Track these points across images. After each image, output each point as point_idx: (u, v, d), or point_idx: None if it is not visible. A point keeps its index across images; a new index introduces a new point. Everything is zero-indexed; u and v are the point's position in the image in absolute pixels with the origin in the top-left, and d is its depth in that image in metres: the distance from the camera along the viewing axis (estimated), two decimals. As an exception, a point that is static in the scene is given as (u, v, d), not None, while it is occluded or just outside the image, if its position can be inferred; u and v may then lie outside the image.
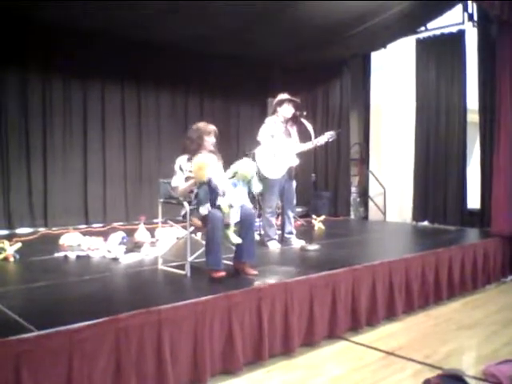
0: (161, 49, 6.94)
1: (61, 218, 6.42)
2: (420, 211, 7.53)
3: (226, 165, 3.93)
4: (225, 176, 3.78)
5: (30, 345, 2.32)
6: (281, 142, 5.11)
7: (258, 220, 5.20)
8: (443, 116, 7.32)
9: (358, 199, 8.63)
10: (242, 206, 3.70)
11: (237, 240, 3.61)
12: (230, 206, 3.61)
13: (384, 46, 7.98)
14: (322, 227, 6.55)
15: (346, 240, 5.84)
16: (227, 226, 3.59)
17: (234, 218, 3.62)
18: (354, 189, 8.56)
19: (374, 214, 8.55)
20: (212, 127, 4.03)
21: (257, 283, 3.48)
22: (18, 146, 6.17)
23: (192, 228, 3.85)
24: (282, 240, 5.28)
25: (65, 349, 2.40)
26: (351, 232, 6.89)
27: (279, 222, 5.58)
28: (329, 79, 8.50)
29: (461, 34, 7.12)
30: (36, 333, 2.38)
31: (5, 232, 5.86)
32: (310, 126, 5.05)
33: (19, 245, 4.47)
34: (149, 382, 2.69)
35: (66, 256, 4.48)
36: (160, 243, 4.88)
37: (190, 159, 3.89)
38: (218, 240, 3.54)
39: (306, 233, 5.67)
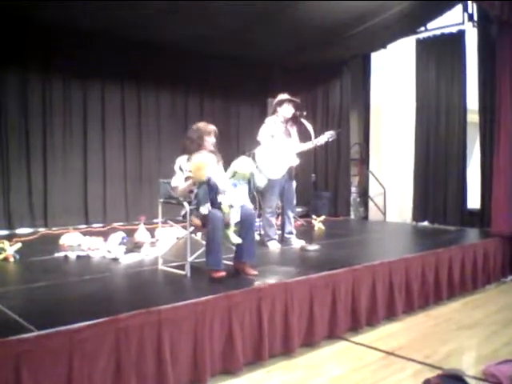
0: (161, 49, 6.93)
1: (61, 218, 6.42)
2: (420, 211, 7.53)
3: (226, 165, 3.93)
4: (225, 176, 3.78)
5: (30, 345, 2.32)
6: (281, 142, 5.11)
7: (258, 220, 5.19)
8: (443, 116, 7.32)
9: (358, 199, 8.63)
10: (243, 206, 3.70)
11: (237, 240, 3.61)
12: (231, 206, 3.61)
13: (384, 47, 7.97)
14: (322, 227, 6.55)
15: (346, 240, 5.84)
16: (227, 225, 3.59)
17: (234, 217, 3.62)
18: (353, 189, 8.56)
19: (374, 214, 8.55)
20: (212, 127, 4.03)
21: (257, 283, 3.48)
22: (18, 146, 6.16)
23: (192, 228, 3.84)
24: (282, 240, 5.28)
25: (65, 349, 2.40)
26: (351, 232, 6.88)
27: (279, 222, 5.58)
28: (329, 79, 8.49)
29: (461, 34, 7.12)
30: (36, 333, 2.38)
31: (5, 232, 5.85)
32: (309, 126, 5.06)
33: (19, 245, 4.47)
34: (149, 382, 2.69)
35: (66, 256, 4.48)
36: (160, 243, 4.88)
37: (189, 159, 3.88)
38: (219, 240, 3.54)
39: (305, 233, 5.67)
